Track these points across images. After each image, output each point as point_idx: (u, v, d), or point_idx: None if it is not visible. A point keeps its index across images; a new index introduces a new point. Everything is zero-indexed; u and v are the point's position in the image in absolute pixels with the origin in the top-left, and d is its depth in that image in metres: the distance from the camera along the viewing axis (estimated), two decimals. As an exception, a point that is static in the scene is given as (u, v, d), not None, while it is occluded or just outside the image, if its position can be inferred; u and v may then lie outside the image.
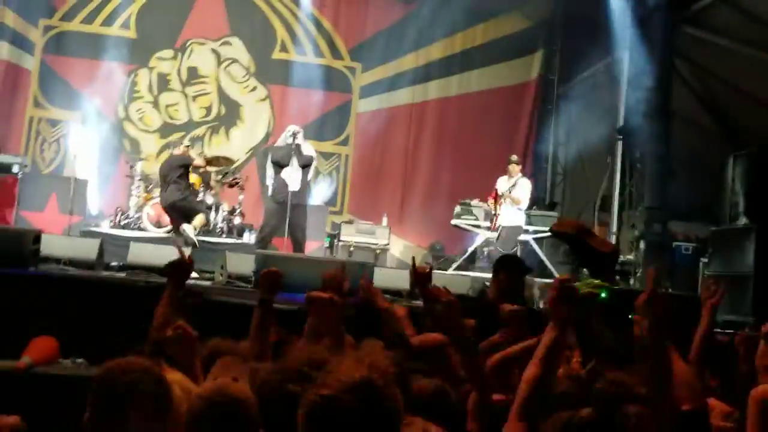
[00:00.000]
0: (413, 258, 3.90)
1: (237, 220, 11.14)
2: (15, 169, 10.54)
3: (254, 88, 13.40)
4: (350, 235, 11.07)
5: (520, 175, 10.23)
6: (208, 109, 13.23)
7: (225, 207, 11.08)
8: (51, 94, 12.75)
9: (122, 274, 7.62)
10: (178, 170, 9.40)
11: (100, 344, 6.25)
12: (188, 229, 8.78)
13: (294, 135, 8.32)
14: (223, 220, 10.91)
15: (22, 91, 12.71)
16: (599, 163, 12.21)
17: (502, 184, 10.02)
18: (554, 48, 13.71)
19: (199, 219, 9.01)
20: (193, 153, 9.91)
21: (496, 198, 9.99)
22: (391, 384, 1.80)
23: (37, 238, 7.01)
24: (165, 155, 12.47)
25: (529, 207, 10.77)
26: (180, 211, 9.42)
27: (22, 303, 5.83)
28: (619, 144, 12.08)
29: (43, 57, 12.82)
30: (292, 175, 8.29)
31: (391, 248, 11.63)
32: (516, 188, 9.87)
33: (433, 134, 13.49)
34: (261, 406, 2.15)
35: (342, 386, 1.72)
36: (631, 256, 10.80)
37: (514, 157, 10.30)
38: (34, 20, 12.80)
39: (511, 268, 4.69)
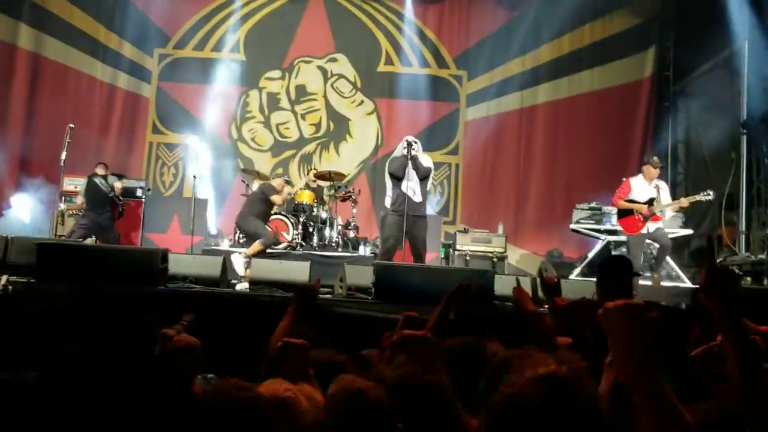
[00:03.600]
0: (540, 269, 3.74)
1: (351, 234, 11.20)
2: (139, 192, 10.93)
3: (361, 102, 13.47)
4: (466, 244, 10.91)
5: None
6: (318, 126, 13.39)
7: (339, 221, 11.15)
8: (168, 119, 13.21)
9: (246, 290, 7.73)
10: (260, 197, 9.56)
11: (229, 360, 6.36)
12: (236, 260, 8.66)
13: (409, 145, 8.18)
14: (338, 234, 10.98)
15: (141, 118, 13.22)
16: (723, 160, 11.61)
17: (640, 186, 9.01)
18: (667, 44, 13.18)
19: (255, 246, 8.99)
20: (287, 189, 9.98)
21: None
22: (583, 378, 1.66)
23: (164, 257, 7.20)
24: (279, 172, 12.74)
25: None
26: (245, 233, 9.74)
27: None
28: (744, 139, 11.45)
29: (159, 84, 13.31)
30: (411, 187, 8.15)
31: (509, 256, 11.36)
32: (664, 192, 9.03)
33: (545, 138, 13.18)
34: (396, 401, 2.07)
35: (530, 383, 1.60)
36: (763, 255, 10.19)
37: (657, 159, 9.25)
38: (150, 50, 13.31)
39: (621, 270, 4.40)
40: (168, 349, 3.45)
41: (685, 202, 8.88)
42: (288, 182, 10.36)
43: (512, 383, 1.63)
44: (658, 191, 8.89)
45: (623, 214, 9.03)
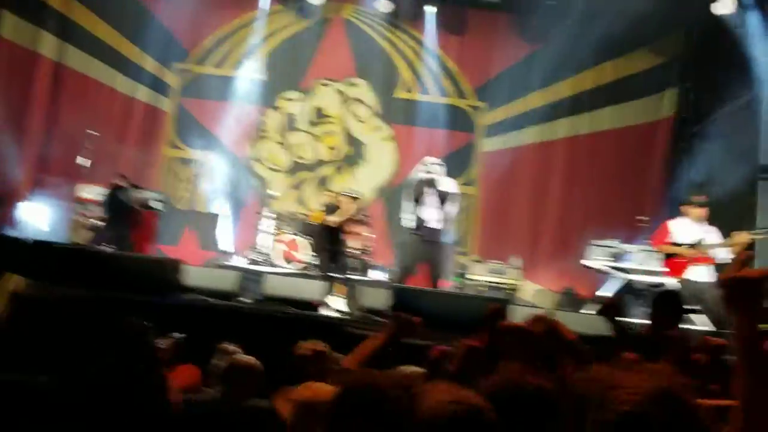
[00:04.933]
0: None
1: (365, 258, 11.13)
2: (154, 204, 10.89)
3: (379, 128, 13.47)
4: (480, 275, 10.86)
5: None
6: (335, 149, 13.36)
7: (354, 244, 11.07)
8: (185, 134, 13.19)
9: (260, 305, 7.66)
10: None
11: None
12: (332, 301, 8.16)
13: (428, 167, 8.11)
14: (353, 257, 10.90)
15: (159, 132, 13.21)
16: (741, 204, 11.55)
17: (684, 229, 8.39)
18: (688, 85, 13.15)
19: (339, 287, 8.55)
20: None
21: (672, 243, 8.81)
22: (691, 394, 1.66)
23: (179, 268, 7.14)
24: (294, 194, 12.70)
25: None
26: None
27: (166, 331, 5.85)
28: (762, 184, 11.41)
29: (178, 99, 13.32)
30: (429, 211, 8.07)
31: (522, 290, 11.26)
32: (713, 235, 8.17)
33: (562, 174, 13.11)
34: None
35: (642, 399, 1.57)
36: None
37: (697, 198, 8.43)
38: (170, 64, 13.33)
39: (674, 305, 4.38)
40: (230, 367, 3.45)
41: (743, 237, 7.68)
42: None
43: (623, 400, 1.58)
44: (708, 233, 8.21)
45: (668, 255, 8.68)
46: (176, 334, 4.38)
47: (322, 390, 2.76)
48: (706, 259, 8.07)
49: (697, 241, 8.23)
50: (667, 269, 8.60)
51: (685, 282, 8.09)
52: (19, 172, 12.03)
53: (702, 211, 8.18)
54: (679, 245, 8.26)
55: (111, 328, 3.91)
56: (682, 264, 8.25)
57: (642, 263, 10.10)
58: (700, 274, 8.10)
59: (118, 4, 12.81)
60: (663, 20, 12.09)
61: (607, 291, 10.53)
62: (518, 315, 7.14)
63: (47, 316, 5.77)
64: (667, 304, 4.42)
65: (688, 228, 8.31)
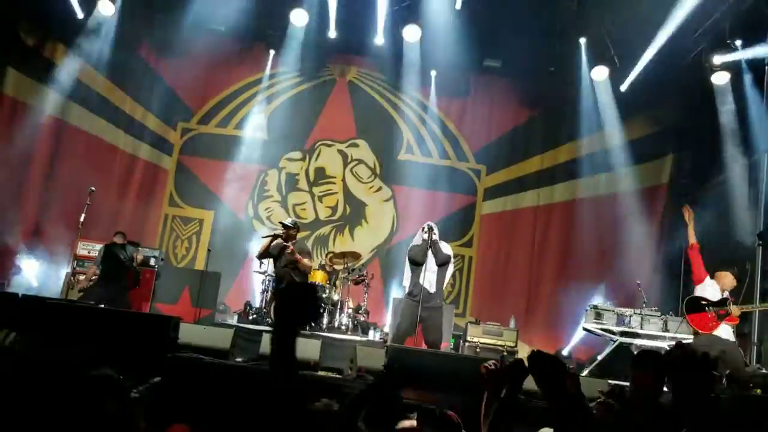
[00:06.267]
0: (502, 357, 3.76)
1: (362, 318, 11.07)
2: (152, 262, 10.86)
3: (379, 189, 13.54)
4: (477, 336, 10.76)
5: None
6: (334, 209, 13.42)
7: (350, 304, 11.03)
8: (185, 193, 13.28)
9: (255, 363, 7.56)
10: None
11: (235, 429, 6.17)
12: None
13: (430, 230, 8.14)
14: (349, 317, 10.84)
15: (159, 189, 13.28)
16: (739, 270, 11.51)
17: (711, 286, 8.66)
18: (686, 152, 13.26)
19: None
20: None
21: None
22: None
23: (176, 325, 7.08)
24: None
25: (665, 313, 10.25)
26: None
27: (160, 388, 5.78)
28: (759, 250, 11.38)
29: (179, 158, 13.42)
30: (427, 277, 8.08)
31: (519, 352, 11.16)
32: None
33: (559, 237, 13.18)
34: None
35: None
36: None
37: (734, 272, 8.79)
38: (173, 123, 13.49)
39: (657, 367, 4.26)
40: None
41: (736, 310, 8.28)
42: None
43: None
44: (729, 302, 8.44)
45: (693, 310, 8.67)
46: (153, 379, 4.29)
47: None
48: (733, 320, 8.39)
49: (722, 300, 8.38)
50: (689, 320, 8.70)
51: (714, 338, 8.25)
52: (16, 227, 12.03)
53: (731, 284, 8.59)
54: (708, 301, 8.46)
55: (79, 383, 3.88)
56: (711, 319, 8.37)
57: (640, 327, 10.09)
58: (727, 332, 8.38)
59: (124, 64, 12.93)
60: (661, 89, 12.23)
61: (606, 354, 10.46)
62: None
63: (34, 372, 5.72)
64: (647, 364, 4.28)
65: (714, 288, 8.58)
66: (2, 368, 5.76)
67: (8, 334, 6.07)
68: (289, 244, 9.36)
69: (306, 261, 9.34)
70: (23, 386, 5.66)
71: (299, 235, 9.94)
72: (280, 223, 9.49)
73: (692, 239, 8.96)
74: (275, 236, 9.37)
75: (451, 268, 8.66)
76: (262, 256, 9.61)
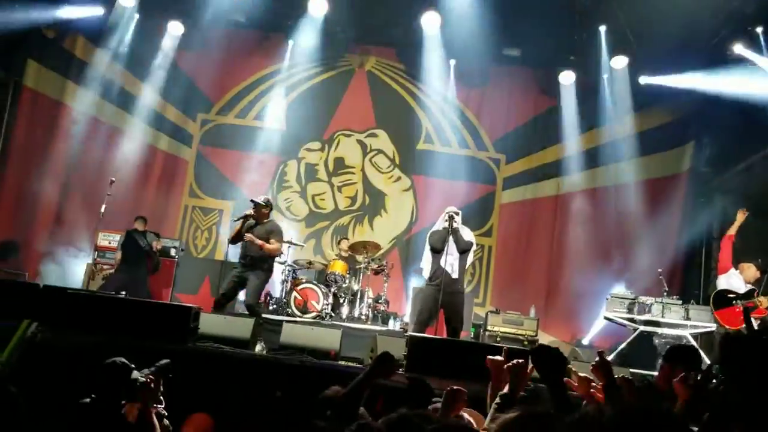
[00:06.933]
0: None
1: (382, 308, 11.07)
2: (173, 252, 10.92)
3: (398, 178, 13.52)
4: (497, 325, 10.73)
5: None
6: (353, 199, 13.41)
7: (370, 294, 11.03)
8: (205, 184, 13.32)
9: (276, 353, 7.58)
10: None
11: (255, 423, 6.19)
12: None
13: (451, 218, 8.07)
14: (368, 307, 10.85)
15: (179, 180, 13.34)
16: (763, 262, 11.39)
17: (736, 277, 8.80)
18: (706, 140, 13.12)
19: None
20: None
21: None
22: None
23: (196, 315, 7.11)
24: (311, 243, 12.70)
25: (686, 302, 10.16)
26: None
27: (181, 378, 5.82)
28: (782, 240, 11.25)
29: (199, 148, 13.46)
30: (449, 262, 8.01)
31: (540, 341, 11.11)
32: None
33: (580, 226, 13.05)
34: None
35: None
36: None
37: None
38: (193, 115, 13.54)
39: (690, 361, 4.25)
40: None
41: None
42: None
43: None
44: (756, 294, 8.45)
45: (721, 304, 8.61)
46: (162, 362, 4.33)
47: None
48: (761, 312, 8.45)
49: (749, 291, 8.35)
50: (717, 317, 8.66)
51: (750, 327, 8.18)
52: (37, 218, 12.13)
53: (754, 275, 8.66)
54: (735, 294, 8.41)
55: (94, 371, 3.97)
56: (739, 313, 8.35)
57: (662, 316, 9.99)
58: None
59: (143, 55, 12.96)
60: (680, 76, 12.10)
61: (627, 343, 10.38)
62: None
63: (57, 362, 5.78)
64: (680, 359, 4.27)
65: (739, 279, 8.49)
66: (25, 357, 5.83)
67: (30, 323, 6.12)
68: (249, 235, 8.59)
69: (270, 245, 8.56)
70: (45, 374, 5.74)
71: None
72: (251, 200, 8.78)
73: (732, 231, 8.94)
74: (246, 217, 8.82)
75: (471, 257, 8.59)
76: (234, 240, 8.79)
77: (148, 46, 12.94)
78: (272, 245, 8.57)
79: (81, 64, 12.90)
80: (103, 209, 10.00)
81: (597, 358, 3.54)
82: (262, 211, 8.65)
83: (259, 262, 8.49)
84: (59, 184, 12.51)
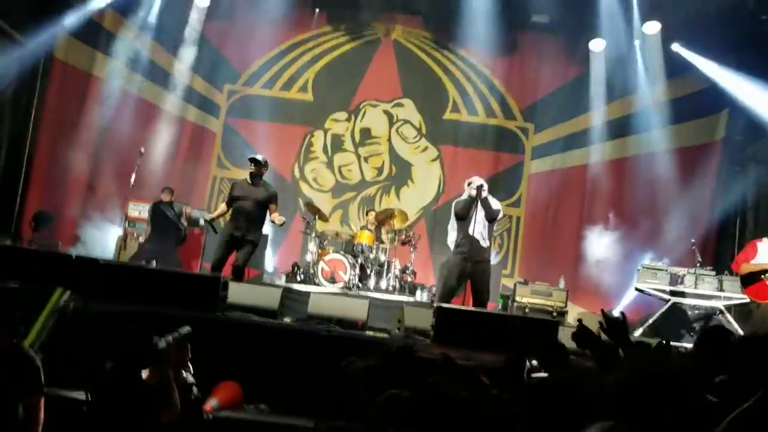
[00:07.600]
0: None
1: (409, 279, 11.07)
2: (202, 222, 10.98)
3: (425, 149, 13.44)
4: (525, 296, 10.68)
5: None
6: (380, 169, 13.37)
7: (397, 264, 11.03)
8: (232, 154, 13.33)
9: (304, 324, 7.63)
10: None
11: (283, 391, 6.25)
12: None
13: (478, 188, 8.00)
14: (396, 278, 10.86)
15: (206, 151, 13.38)
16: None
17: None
18: (740, 107, 12.81)
19: None
20: None
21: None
22: None
23: (225, 285, 7.17)
24: (337, 214, 12.71)
25: (720, 272, 9.99)
26: None
27: (210, 347, 5.88)
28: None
29: (226, 119, 13.47)
30: (477, 230, 7.96)
31: (569, 312, 11.03)
32: None
33: (610, 196, 12.85)
34: None
35: None
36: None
37: None
38: (220, 85, 13.53)
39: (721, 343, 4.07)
40: None
41: None
42: None
43: None
44: None
45: (751, 280, 8.45)
46: (183, 328, 4.38)
47: None
48: None
49: None
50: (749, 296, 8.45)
51: None
52: (68, 190, 12.25)
53: None
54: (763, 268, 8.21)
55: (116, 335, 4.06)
56: None
57: (695, 287, 9.83)
58: None
59: (171, 27, 12.95)
60: (715, 41, 11.83)
61: (659, 315, 10.27)
62: (566, 336, 7.04)
63: (88, 330, 5.86)
64: (713, 344, 4.03)
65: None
66: (58, 324, 5.93)
67: (63, 292, 6.21)
68: (281, 217, 8.85)
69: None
70: (77, 341, 5.83)
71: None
72: (250, 159, 8.88)
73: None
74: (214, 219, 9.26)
75: (499, 224, 8.53)
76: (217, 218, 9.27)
77: (175, 17, 12.91)
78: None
79: (109, 35, 12.90)
80: (132, 179, 10.07)
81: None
82: (261, 170, 8.81)
83: (256, 229, 8.75)
84: (90, 155, 12.58)
